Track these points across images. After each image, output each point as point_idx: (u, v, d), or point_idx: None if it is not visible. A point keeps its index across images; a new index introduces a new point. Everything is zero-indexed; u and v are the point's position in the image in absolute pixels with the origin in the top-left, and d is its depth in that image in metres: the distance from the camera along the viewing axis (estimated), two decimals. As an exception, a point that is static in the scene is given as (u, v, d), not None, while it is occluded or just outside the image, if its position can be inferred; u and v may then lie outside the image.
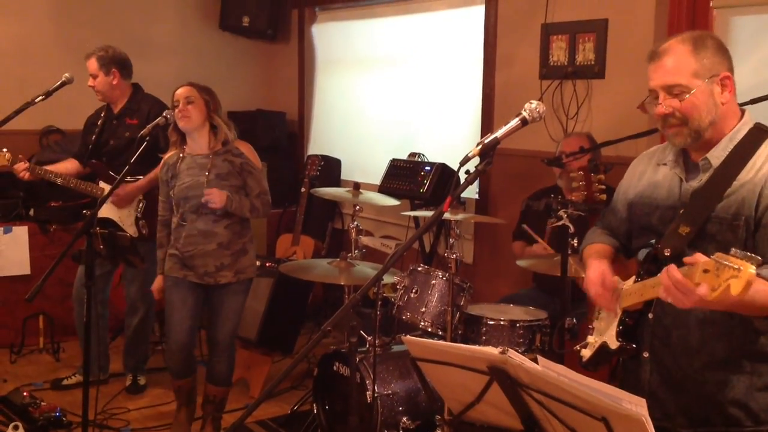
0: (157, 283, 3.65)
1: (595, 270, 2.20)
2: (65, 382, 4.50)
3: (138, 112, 4.29)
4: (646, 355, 2.12)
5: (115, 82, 4.27)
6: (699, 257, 1.73)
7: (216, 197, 3.44)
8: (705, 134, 2.02)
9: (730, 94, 2.04)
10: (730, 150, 2.03)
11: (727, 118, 2.05)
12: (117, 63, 4.29)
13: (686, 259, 1.77)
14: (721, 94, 2.02)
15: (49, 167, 4.29)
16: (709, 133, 2.03)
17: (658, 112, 2.02)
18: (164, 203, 3.64)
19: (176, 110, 3.50)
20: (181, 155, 3.59)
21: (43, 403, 3.92)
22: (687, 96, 1.99)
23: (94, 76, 4.26)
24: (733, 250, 1.62)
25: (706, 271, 1.67)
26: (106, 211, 4.20)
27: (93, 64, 4.26)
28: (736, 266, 1.59)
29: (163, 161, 3.64)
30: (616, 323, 2.12)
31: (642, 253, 2.13)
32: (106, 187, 4.20)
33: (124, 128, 4.27)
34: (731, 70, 2.04)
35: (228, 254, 3.55)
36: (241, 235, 3.60)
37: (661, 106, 2.02)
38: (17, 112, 3.85)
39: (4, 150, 4.14)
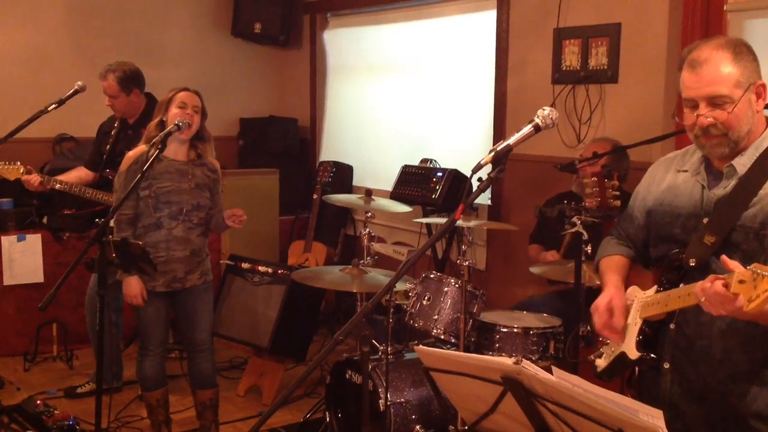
0: (138, 285, 3.49)
1: (604, 297, 2.17)
2: (79, 390, 4.51)
3: None
4: (666, 365, 2.09)
5: (135, 100, 4.28)
6: (736, 265, 1.71)
7: (244, 219, 3.59)
8: (741, 144, 2.00)
9: (763, 102, 2.01)
10: (756, 158, 1.99)
11: (757, 126, 2.02)
12: (136, 81, 4.28)
13: (725, 259, 1.74)
14: (756, 103, 1.99)
15: (60, 177, 4.30)
16: (744, 142, 2.00)
17: (701, 124, 1.97)
18: (130, 201, 3.45)
19: (177, 110, 3.46)
20: (157, 155, 3.44)
21: (56, 412, 3.91)
22: (731, 107, 1.94)
23: (114, 97, 4.24)
24: None
25: (741, 281, 1.64)
26: None
27: (113, 86, 4.23)
28: None
29: (134, 158, 3.51)
30: (635, 333, 2.10)
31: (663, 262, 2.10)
32: None
33: (140, 138, 4.27)
34: (761, 75, 2.01)
35: (197, 261, 3.60)
36: (205, 241, 3.68)
37: (703, 118, 1.96)
38: (30, 121, 3.86)
39: (18, 163, 4.17)
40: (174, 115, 3.47)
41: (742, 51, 1.98)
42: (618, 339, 2.14)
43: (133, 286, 3.50)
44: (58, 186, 4.22)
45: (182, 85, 3.61)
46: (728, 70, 1.95)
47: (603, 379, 2.21)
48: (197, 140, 3.58)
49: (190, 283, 3.58)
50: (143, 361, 3.64)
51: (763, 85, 2.00)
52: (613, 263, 2.29)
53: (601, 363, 2.22)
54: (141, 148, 3.54)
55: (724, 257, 1.76)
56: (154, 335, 3.61)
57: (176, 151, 3.53)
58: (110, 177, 4.31)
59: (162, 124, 3.50)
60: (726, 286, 1.71)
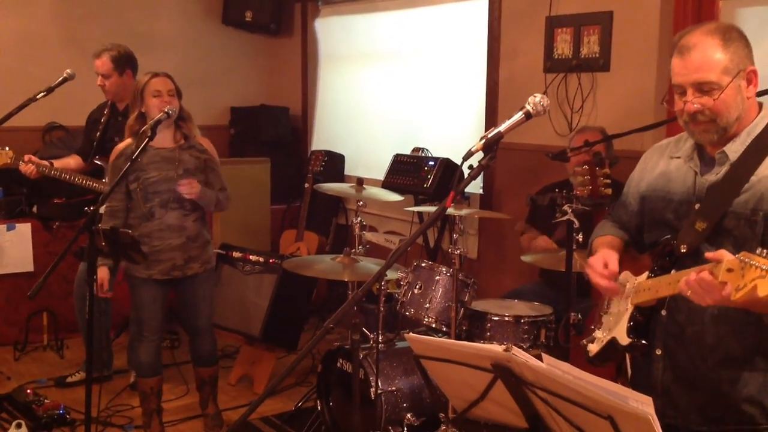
0: (100, 276, 3.46)
1: (598, 256, 2.17)
2: (69, 379, 4.49)
3: None
4: (659, 352, 2.09)
5: (128, 82, 4.24)
6: (723, 254, 1.71)
7: (193, 187, 3.46)
8: (731, 130, 1.98)
9: (755, 88, 2.00)
10: (748, 144, 1.98)
11: (748, 112, 2.01)
12: (130, 62, 4.26)
13: (709, 255, 1.75)
14: (746, 89, 1.98)
15: (58, 162, 4.27)
16: (734, 128, 1.99)
17: (689, 110, 1.96)
18: (118, 194, 3.49)
19: (155, 99, 3.44)
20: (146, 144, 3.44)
21: (46, 401, 3.91)
22: (718, 93, 1.93)
23: (107, 77, 4.21)
24: (759, 249, 1.59)
25: (730, 270, 1.64)
26: None
27: (107, 65, 4.20)
28: (764, 266, 1.55)
29: (119, 151, 3.53)
30: (626, 319, 2.10)
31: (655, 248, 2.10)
32: None
33: None
34: (753, 61, 2.00)
35: (195, 246, 3.60)
36: (203, 226, 3.67)
37: (690, 104, 1.95)
38: (19, 109, 3.83)
39: (6, 148, 4.13)
40: (153, 104, 3.45)
41: (733, 37, 1.96)
42: (613, 288, 2.12)
43: (98, 276, 3.43)
44: (47, 171, 4.18)
45: (173, 73, 3.58)
46: (716, 56, 1.93)
47: (595, 364, 2.21)
48: (179, 120, 3.57)
49: (192, 271, 3.60)
50: (138, 347, 3.65)
51: (754, 72, 1.99)
52: (606, 240, 2.28)
53: (593, 348, 2.22)
54: (127, 141, 3.54)
55: (709, 255, 1.75)
56: (148, 321, 3.61)
57: (162, 138, 3.49)
58: (100, 164, 4.29)
59: (142, 117, 3.49)
60: (711, 274, 1.71)
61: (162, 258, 3.52)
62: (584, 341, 2.27)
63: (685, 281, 1.80)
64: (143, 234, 3.50)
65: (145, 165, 3.47)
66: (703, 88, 1.94)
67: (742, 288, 1.59)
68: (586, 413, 1.56)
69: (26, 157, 4.15)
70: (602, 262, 2.14)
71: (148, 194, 3.49)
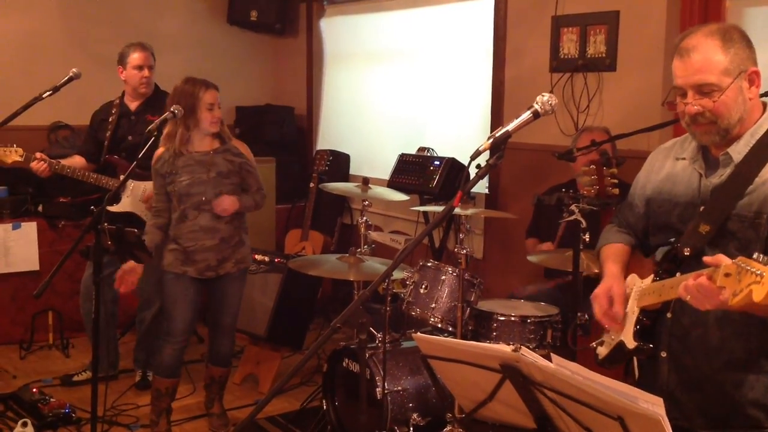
0: (130, 264, 3.56)
1: (604, 285, 2.17)
2: (75, 378, 4.49)
3: (160, 109, 4.26)
4: (664, 354, 2.08)
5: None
6: (721, 259, 1.70)
7: (227, 205, 3.56)
8: (733, 131, 1.98)
9: (757, 89, 1.99)
10: (751, 145, 1.97)
11: (751, 113, 2.00)
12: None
13: (707, 260, 1.74)
14: (748, 90, 1.97)
15: (64, 161, 4.27)
16: (736, 129, 1.98)
17: (689, 112, 1.96)
18: (159, 195, 3.65)
19: (208, 113, 3.52)
20: (177, 150, 3.56)
21: (52, 400, 3.91)
22: (718, 95, 1.92)
23: (152, 67, 4.32)
24: (756, 254, 1.58)
25: (727, 275, 1.63)
26: (127, 204, 4.19)
27: (150, 58, 4.31)
28: (758, 272, 1.54)
29: (158, 156, 3.62)
30: (633, 323, 2.09)
31: (660, 252, 2.09)
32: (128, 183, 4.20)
33: (145, 124, 4.22)
34: (756, 62, 1.99)
35: (228, 247, 3.64)
36: (238, 228, 3.69)
37: (690, 106, 1.95)
38: (25, 108, 3.81)
39: (14, 145, 4.12)
40: (205, 118, 3.53)
41: (733, 38, 1.95)
42: (617, 327, 2.14)
43: (124, 270, 3.56)
44: (60, 169, 4.17)
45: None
46: (716, 58, 1.93)
47: (605, 366, 2.21)
48: None
49: (224, 270, 3.64)
50: (163, 347, 3.69)
51: (756, 72, 1.98)
52: (613, 251, 2.28)
53: (602, 351, 2.22)
54: (165, 146, 3.61)
55: (707, 259, 1.75)
56: (177, 319, 3.63)
57: (199, 141, 3.58)
58: (112, 163, 4.28)
59: (187, 126, 3.51)
60: (710, 279, 1.70)
61: (196, 258, 3.57)
62: (594, 344, 2.27)
63: (683, 286, 1.80)
64: (177, 235, 3.58)
65: (179, 168, 3.55)
66: (703, 89, 1.94)
67: (738, 293, 1.59)
68: (596, 414, 1.55)
69: (38, 155, 4.14)
70: (608, 298, 2.14)
71: (181, 197, 3.56)
